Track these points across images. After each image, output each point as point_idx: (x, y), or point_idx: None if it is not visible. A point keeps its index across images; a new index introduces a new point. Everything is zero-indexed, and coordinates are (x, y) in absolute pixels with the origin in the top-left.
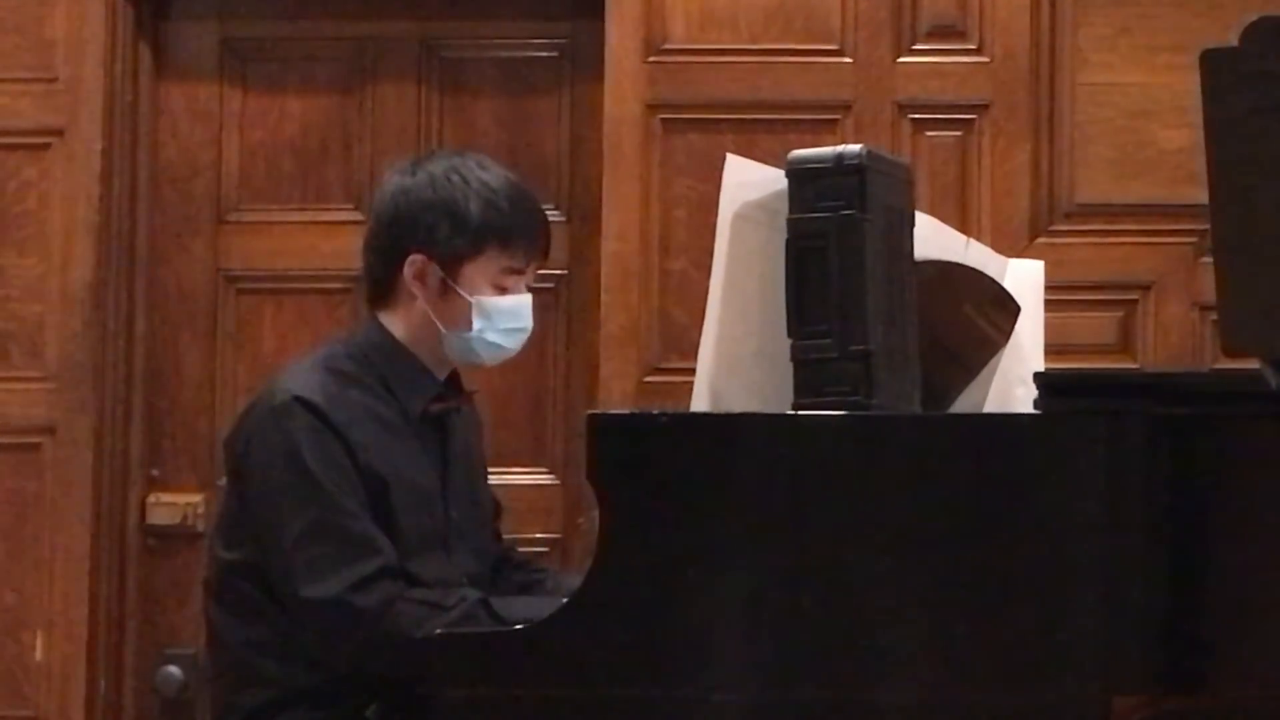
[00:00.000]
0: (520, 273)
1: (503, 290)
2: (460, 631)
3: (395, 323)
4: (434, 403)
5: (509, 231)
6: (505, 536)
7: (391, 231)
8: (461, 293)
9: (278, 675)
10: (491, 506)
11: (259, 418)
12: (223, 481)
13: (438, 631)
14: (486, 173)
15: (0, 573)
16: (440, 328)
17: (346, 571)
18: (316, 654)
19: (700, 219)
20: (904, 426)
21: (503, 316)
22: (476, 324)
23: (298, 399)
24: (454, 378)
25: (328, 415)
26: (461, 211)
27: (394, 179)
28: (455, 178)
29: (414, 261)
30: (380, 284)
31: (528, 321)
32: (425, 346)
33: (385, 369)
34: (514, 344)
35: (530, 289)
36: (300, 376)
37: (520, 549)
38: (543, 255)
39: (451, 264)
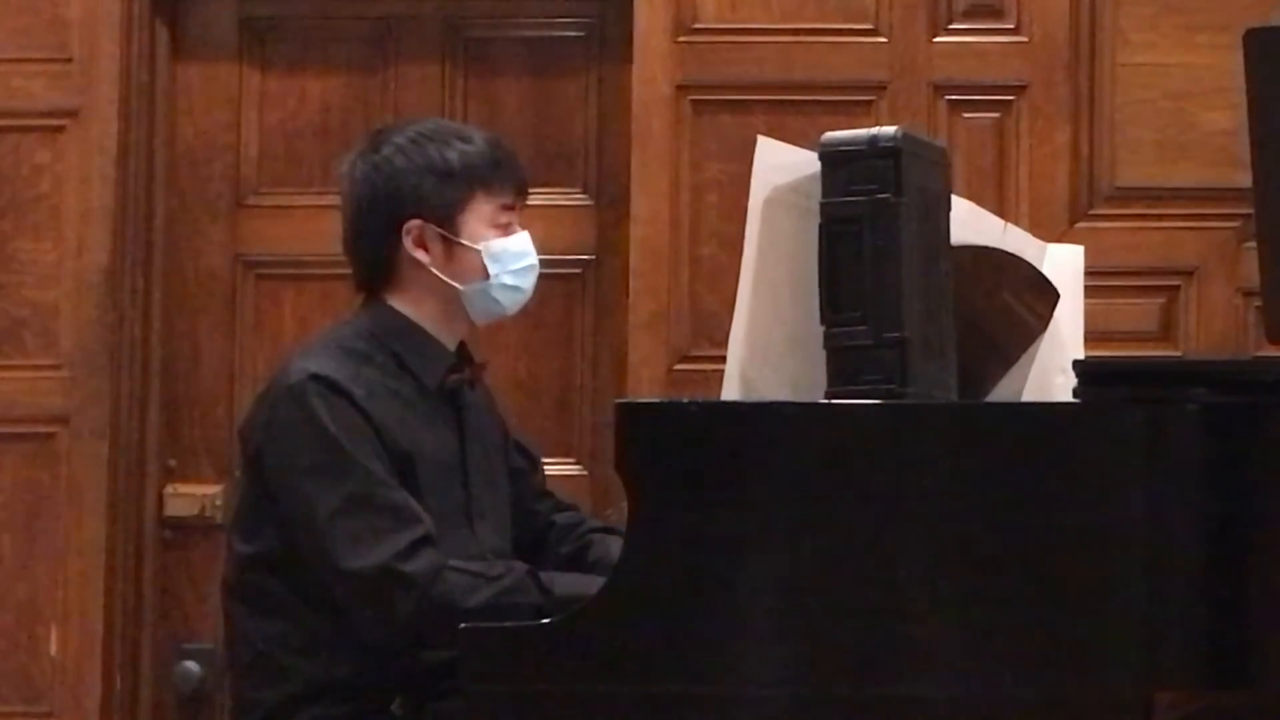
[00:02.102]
0: (512, 208)
1: (503, 230)
2: (489, 626)
3: (400, 301)
4: (449, 375)
5: (491, 168)
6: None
7: (378, 210)
8: (466, 243)
9: (300, 670)
10: (525, 459)
11: (276, 401)
12: (238, 472)
13: (464, 626)
14: (449, 127)
15: (14, 566)
16: (457, 286)
17: (390, 541)
18: (362, 629)
19: (731, 203)
20: (940, 416)
21: (512, 257)
22: (491, 269)
23: (316, 376)
24: (464, 350)
25: (348, 390)
26: (440, 164)
27: (359, 163)
28: (421, 139)
29: (411, 229)
30: (378, 267)
31: (534, 258)
32: (434, 319)
33: (397, 345)
34: (528, 284)
35: (523, 227)
36: (314, 356)
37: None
38: (525, 190)
39: (447, 218)
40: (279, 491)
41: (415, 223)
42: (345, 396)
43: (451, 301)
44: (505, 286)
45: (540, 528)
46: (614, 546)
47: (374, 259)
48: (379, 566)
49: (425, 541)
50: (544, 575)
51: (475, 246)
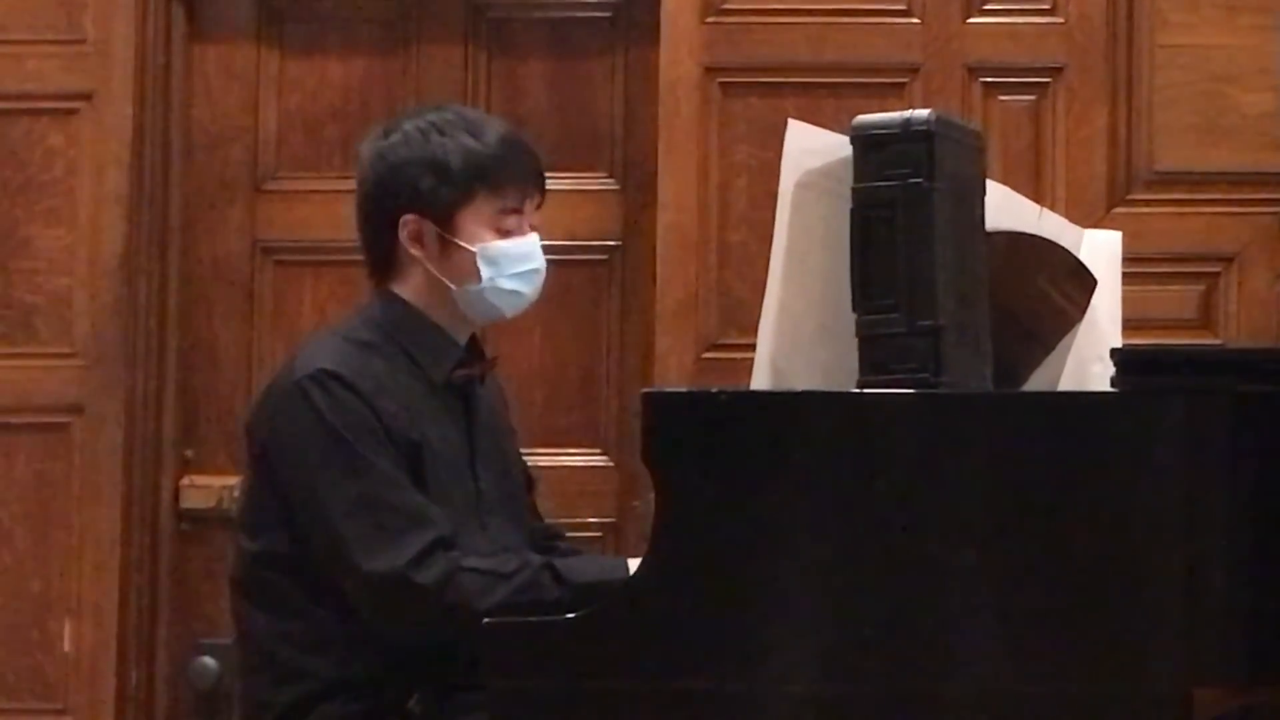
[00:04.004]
0: (518, 212)
1: (504, 233)
2: (511, 621)
3: (407, 291)
4: (458, 369)
5: (495, 169)
6: (555, 522)
7: (377, 199)
8: (462, 244)
9: (313, 669)
10: (523, 478)
11: (282, 397)
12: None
13: (486, 621)
14: (465, 118)
15: (27, 559)
16: (450, 286)
17: (402, 545)
18: (378, 630)
19: (760, 187)
20: (974, 405)
21: (510, 261)
22: (485, 273)
23: (322, 370)
24: (475, 343)
25: (355, 385)
26: (441, 160)
27: (369, 147)
28: (430, 130)
29: (406, 223)
30: (380, 255)
31: (539, 261)
32: (440, 311)
33: (405, 338)
34: (530, 289)
35: (534, 229)
36: (320, 350)
37: (571, 534)
38: (539, 191)
39: (444, 217)
40: (288, 490)
41: (411, 217)
42: (352, 391)
43: (449, 298)
44: (501, 290)
45: (538, 534)
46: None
47: (376, 248)
48: (391, 572)
49: (438, 544)
50: (560, 564)
51: (471, 248)
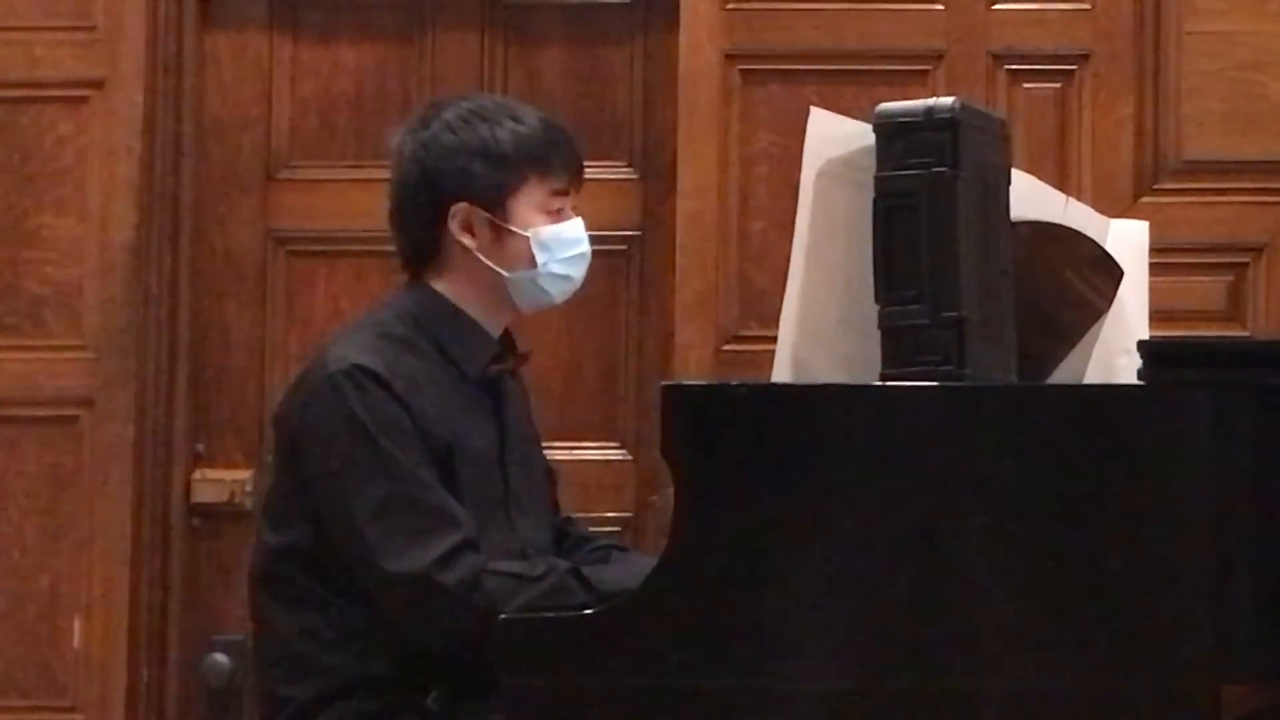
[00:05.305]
0: (566, 193)
1: (554, 215)
2: (527, 617)
3: (445, 284)
4: (492, 364)
5: (545, 151)
6: (574, 515)
7: (424, 190)
8: (515, 229)
9: (332, 665)
10: (545, 472)
11: (314, 389)
12: (269, 459)
13: (502, 617)
14: (502, 105)
15: (35, 555)
16: (503, 273)
17: (428, 547)
18: (403, 632)
19: (782, 176)
20: (999, 398)
21: (562, 245)
22: (540, 257)
23: (357, 366)
24: (507, 338)
25: (389, 382)
26: (492, 145)
27: (407, 139)
28: (472, 117)
29: (457, 212)
30: (423, 248)
31: (586, 246)
32: (480, 304)
33: (439, 332)
34: (579, 273)
35: (577, 212)
36: (354, 343)
37: (587, 526)
38: (580, 177)
39: (496, 203)
40: (314, 485)
41: (462, 205)
42: (385, 388)
43: (497, 288)
44: (554, 275)
45: (555, 529)
46: (636, 563)
47: (418, 240)
48: (416, 573)
49: (464, 546)
50: (587, 570)
51: (524, 233)
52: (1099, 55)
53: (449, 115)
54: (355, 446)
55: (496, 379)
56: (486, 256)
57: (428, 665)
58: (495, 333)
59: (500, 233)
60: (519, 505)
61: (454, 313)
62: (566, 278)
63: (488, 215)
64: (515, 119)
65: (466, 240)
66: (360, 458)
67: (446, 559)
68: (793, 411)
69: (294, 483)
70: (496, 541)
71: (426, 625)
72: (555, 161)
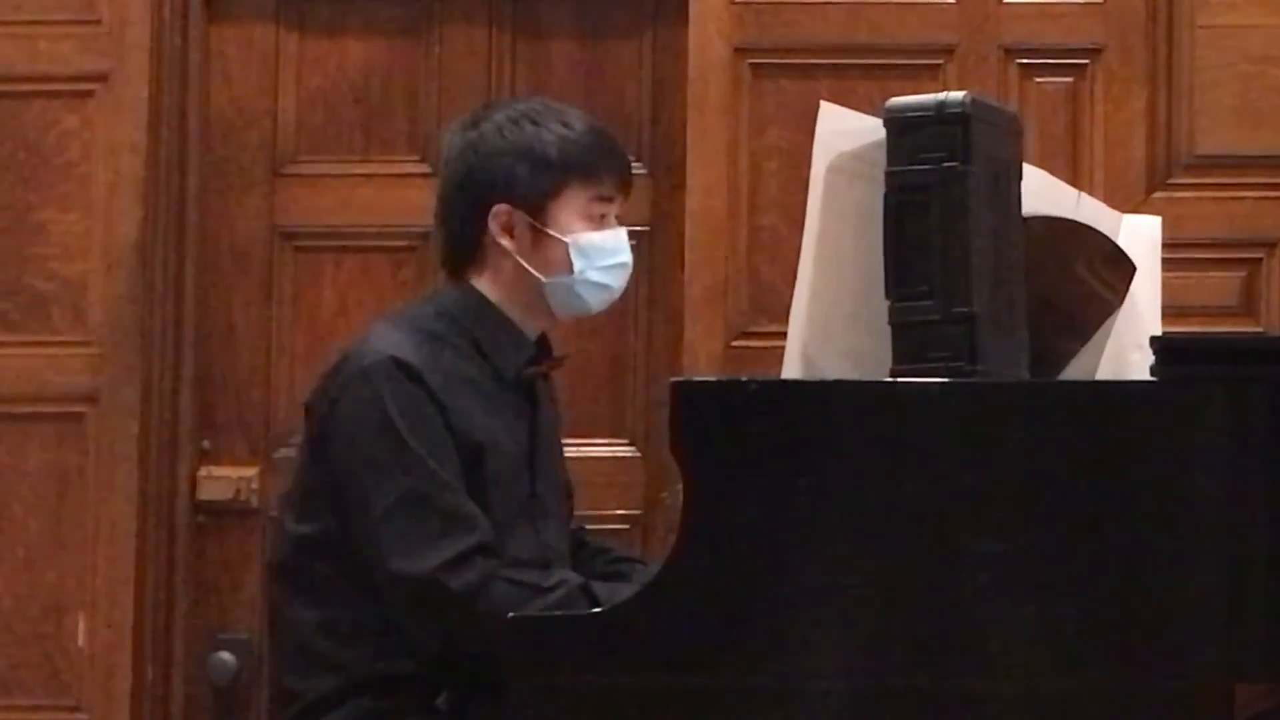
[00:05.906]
0: (610, 200)
1: (596, 222)
2: (536, 616)
3: (484, 284)
4: (528, 366)
5: (590, 157)
6: (576, 514)
7: (468, 189)
8: (555, 234)
9: (345, 661)
10: (565, 488)
11: (348, 378)
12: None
13: (511, 615)
14: (553, 109)
15: (40, 552)
16: (540, 278)
17: (441, 548)
18: (406, 631)
19: (792, 171)
20: (1011, 395)
21: (601, 253)
22: (577, 264)
23: (393, 359)
24: (544, 340)
25: (424, 378)
26: (538, 150)
27: (457, 138)
28: (521, 120)
29: (498, 214)
30: (463, 247)
31: (628, 256)
32: (518, 306)
33: (477, 330)
34: (619, 283)
35: (620, 221)
36: (392, 336)
37: (595, 527)
38: (627, 186)
39: (538, 207)
40: (339, 473)
41: (503, 207)
42: (420, 383)
43: (534, 292)
44: (591, 284)
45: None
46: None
47: (459, 238)
48: (425, 575)
49: (477, 551)
50: (597, 587)
51: (563, 238)
52: (1111, 49)
53: (499, 116)
54: (381, 441)
55: (531, 381)
56: (525, 259)
57: (443, 666)
58: (533, 335)
59: (539, 236)
60: (545, 511)
61: (493, 312)
62: (605, 286)
63: (528, 218)
64: (564, 123)
65: (506, 242)
66: (384, 453)
67: (456, 562)
68: (803, 408)
69: (321, 472)
70: (520, 544)
71: (430, 626)
72: (600, 168)
